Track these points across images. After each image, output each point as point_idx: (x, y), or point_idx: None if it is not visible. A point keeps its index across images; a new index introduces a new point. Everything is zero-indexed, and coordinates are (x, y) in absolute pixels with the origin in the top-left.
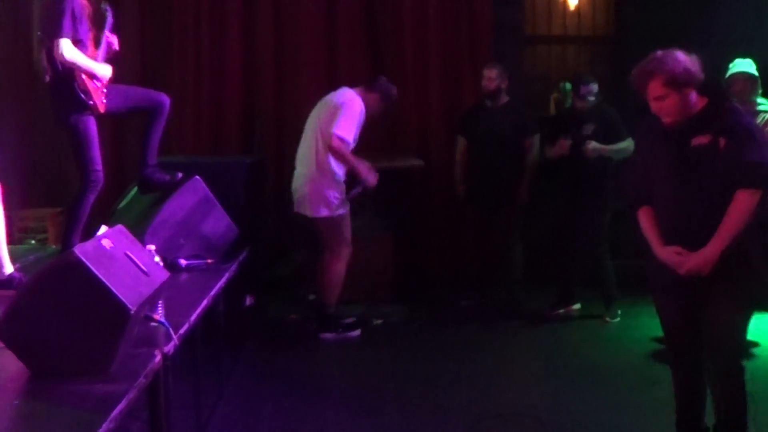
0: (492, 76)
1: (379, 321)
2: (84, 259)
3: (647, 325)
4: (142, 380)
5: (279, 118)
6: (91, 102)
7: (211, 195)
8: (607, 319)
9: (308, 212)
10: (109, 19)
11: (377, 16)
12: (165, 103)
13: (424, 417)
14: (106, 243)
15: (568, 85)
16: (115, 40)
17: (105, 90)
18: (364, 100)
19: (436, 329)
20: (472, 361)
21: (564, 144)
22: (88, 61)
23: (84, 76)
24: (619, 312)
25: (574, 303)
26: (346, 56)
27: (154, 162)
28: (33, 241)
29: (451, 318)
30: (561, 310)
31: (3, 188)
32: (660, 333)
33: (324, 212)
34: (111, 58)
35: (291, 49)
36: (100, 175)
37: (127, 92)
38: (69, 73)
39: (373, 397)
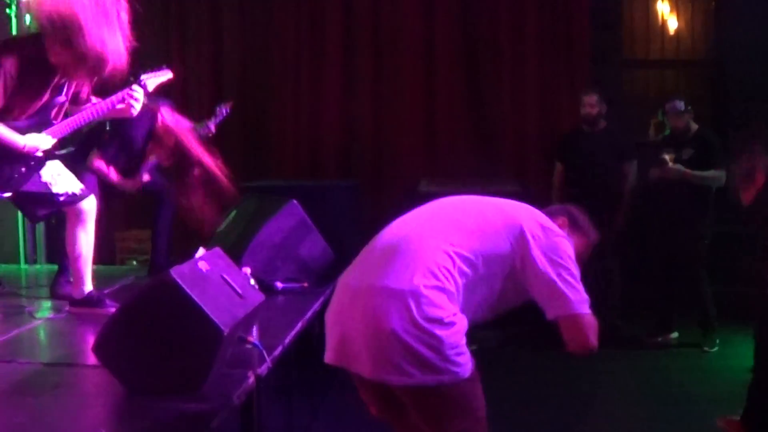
0: (592, 102)
1: (474, 346)
2: (179, 281)
3: (745, 354)
4: (235, 401)
5: (376, 142)
6: None
7: (307, 218)
8: (705, 348)
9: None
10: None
11: (475, 42)
12: None
13: None
14: (202, 265)
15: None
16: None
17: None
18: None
19: (531, 354)
20: (567, 387)
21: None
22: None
23: None
24: (717, 341)
25: (672, 331)
26: (443, 82)
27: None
28: (134, 262)
29: (547, 342)
30: (659, 339)
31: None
32: None
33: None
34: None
35: (389, 75)
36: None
37: None
38: None
39: None
